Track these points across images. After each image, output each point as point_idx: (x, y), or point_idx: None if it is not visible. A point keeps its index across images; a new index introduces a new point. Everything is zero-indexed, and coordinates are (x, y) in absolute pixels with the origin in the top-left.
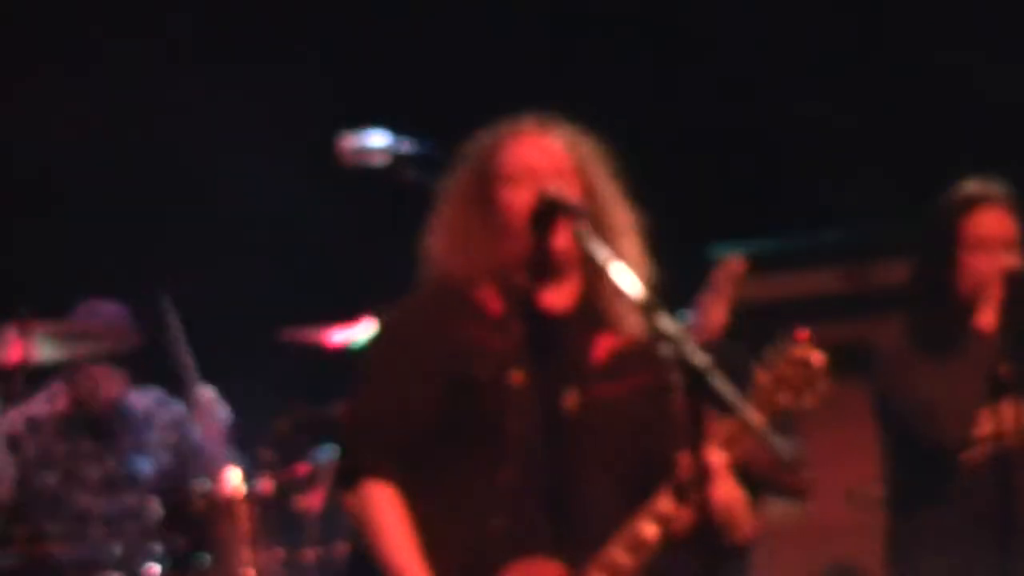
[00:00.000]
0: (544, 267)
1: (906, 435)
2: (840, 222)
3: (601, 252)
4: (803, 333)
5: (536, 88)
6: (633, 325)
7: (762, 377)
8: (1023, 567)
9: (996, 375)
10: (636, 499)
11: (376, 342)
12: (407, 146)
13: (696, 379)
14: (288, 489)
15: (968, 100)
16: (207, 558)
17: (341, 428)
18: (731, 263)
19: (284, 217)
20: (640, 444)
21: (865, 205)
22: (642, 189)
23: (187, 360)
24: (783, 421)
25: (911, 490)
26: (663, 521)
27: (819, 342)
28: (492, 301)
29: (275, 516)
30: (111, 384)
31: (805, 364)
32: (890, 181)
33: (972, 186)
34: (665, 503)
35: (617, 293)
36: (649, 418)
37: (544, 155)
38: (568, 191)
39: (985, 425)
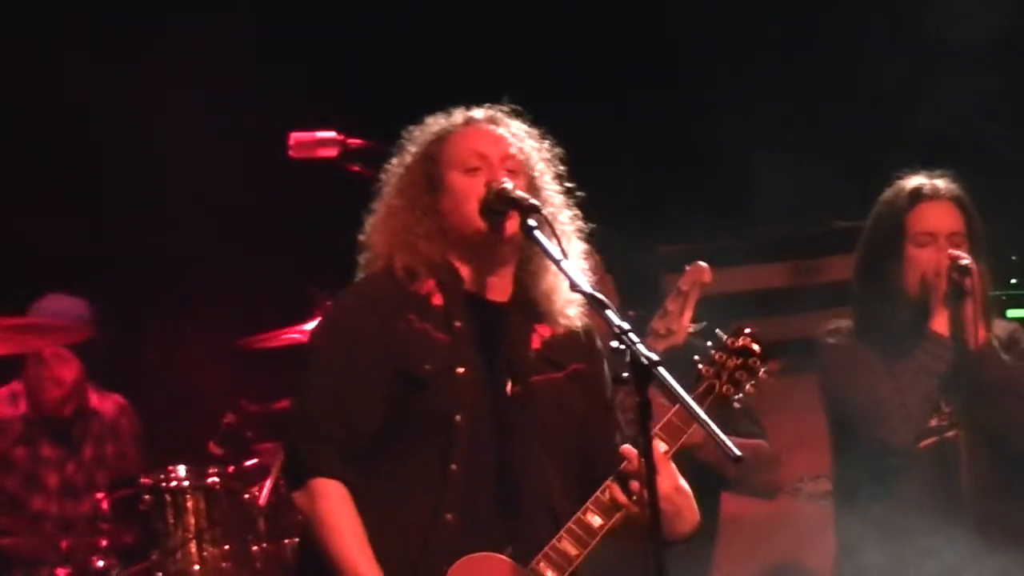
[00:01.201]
0: (490, 256)
1: (852, 431)
2: (787, 218)
3: (551, 247)
4: (745, 327)
5: (481, 84)
6: (566, 316)
7: (705, 369)
8: (967, 559)
9: (945, 377)
10: (578, 488)
11: (319, 336)
12: (354, 140)
13: (645, 374)
14: (236, 484)
15: (912, 96)
16: (154, 552)
17: (287, 426)
18: (697, 270)
19: (235, 209)
20: (579, 432)
21: (811, 201)
22: (590, 186)
23: None
24: (753, 419)
25: (857, 485)
26: (609, 512)
27: (765, 336)
28: (434, 293)
29: (223, 510)
30: (64, 368)
31: (746, 356)
32: (836, 177)
33: (918, 180)
34: (611, 494)
35: (566, 287)
36: (586, 406)
37: (496, 147)
38: (517, 184)
39: (930, 422)
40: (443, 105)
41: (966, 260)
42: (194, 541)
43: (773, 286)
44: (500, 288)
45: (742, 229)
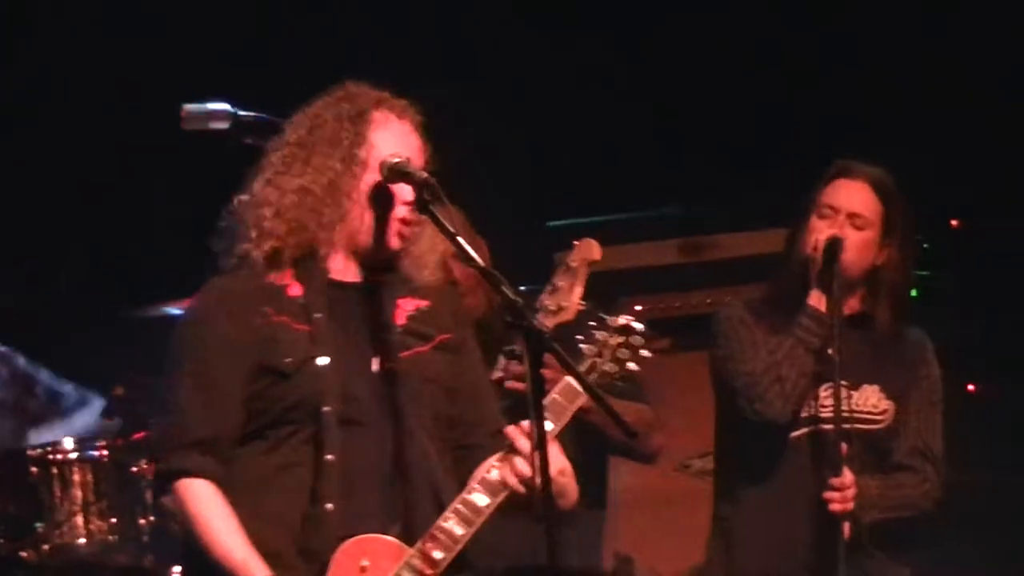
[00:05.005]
0: (383, 239)
1: (734, 406)
2: (678, 196)
3: (445, 221)
4: (630, 304)
5: (372, 61)
6: (431, 286)
7: (587, 349)
8: (837, 550)
9: (823, 356)
10: (455, 461)
11: (179, 337)
12: (247, 113)
13: (538, 347)
14: (125, 456)
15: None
16: (39, 524)
17: (151, 431)
18: (586, 246)
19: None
20: (451, 402)
21: (703, 180)
22: (484, 163)
23: None
24: (633, 381)
25: (736, 465)
26: (495, 492)
27: (652, 314)
28: (292, 283)
29: (110, 483)
30: None
31: (627, 334)
32: (727, 156)
33: (846, 160)
34: (498, 475)
35: (432, 258)
36: (456, 375)
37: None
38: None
39: (808, 406)
40: (338, 77)
41: (838, 238)
42: (80, 514)
43: (662, 263)
44: (357, 268)
45: (631, 206)
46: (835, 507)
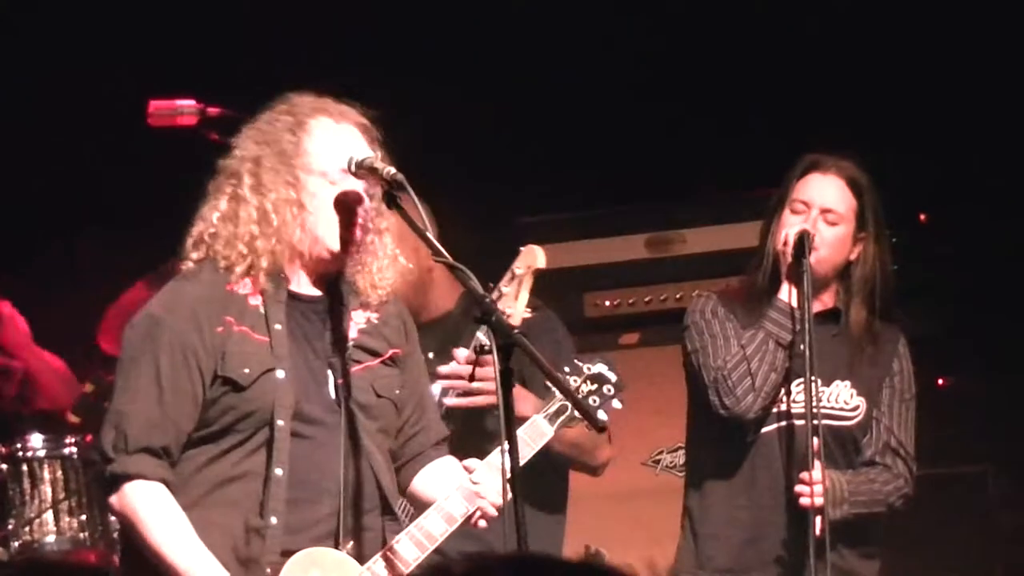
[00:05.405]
0: (329, 265)
1: (704, 400)
2: (646, 191)
3: (415, 217)
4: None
5: (333, 59)
6: (383, 300)
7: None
8: (807, 544)
9: (793, 351)
10: (397, 471)
11: (135, 338)
12: (214, 108)
13: (507, 344)
14: (94, 453)
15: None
16: (9, 522)
17: (100, 431)
18: (530, 253)
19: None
20: (398, 415)
21: (671, 175)
22: (452, 160)
23: None
24: None
25: (707, 458)
26: (450, 521)
27: (623, 308)
28: (253, 292)
29: (81, 480)
30: None
31: (600, 383)
32: (696, 152)
33: (818, 154)
34: (454, 505)
35: (388, 272)
36: (403, 389)
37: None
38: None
39: (780, 401)
40: (304, 74)
41: (808, 232)
42: (50, 511)
43: (631, 258)
44: (315, 282)
45: (600, 202)
46: (805, 502)
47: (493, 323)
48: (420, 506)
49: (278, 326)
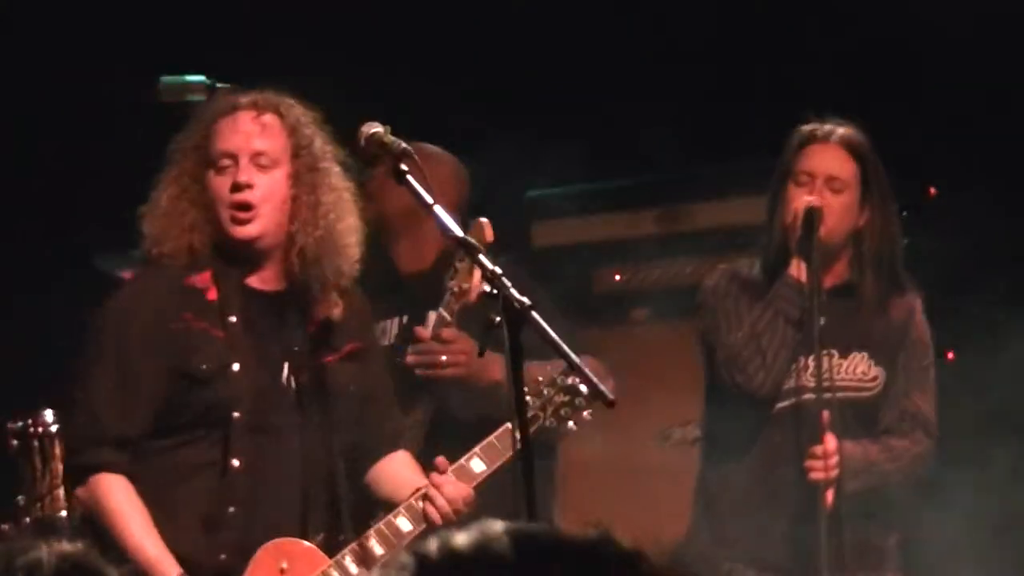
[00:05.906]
0: (244, 255)
1: (718, 378)
2: (656, 165)
3: (422, 192)
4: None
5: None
6: (342, 295)
7: (532, 401)
8: (819, 518)
9: (806, 326)
10: (353, 462)
11: (98, 331)
12: (224, 85)
13: (517, 318)
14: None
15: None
16: (20, 497)
17: (64, 423)
18: (478, 228)
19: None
20: (358, 411)
21: (680, 148)
22: (459, 134)
23: None
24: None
25: (722, 434)
26: (419, 521)
27: (632, 284)
28: (209, 287)
29: None
30: None
31: (573, 395)
32: (705, 125)
33: (814, 124)
34: (423, 506)
35: (347, 267)
36: (363, 384)
37: (246, 143)
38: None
39: (793, 376)
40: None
41: (816, 204)
42: (62, 487)
43: (638, 234)
44: (274, 277)
45: (607, 177)
46: (817, 475)
47: (504, 298)
48: (378, 499)
49: (233, 319)
